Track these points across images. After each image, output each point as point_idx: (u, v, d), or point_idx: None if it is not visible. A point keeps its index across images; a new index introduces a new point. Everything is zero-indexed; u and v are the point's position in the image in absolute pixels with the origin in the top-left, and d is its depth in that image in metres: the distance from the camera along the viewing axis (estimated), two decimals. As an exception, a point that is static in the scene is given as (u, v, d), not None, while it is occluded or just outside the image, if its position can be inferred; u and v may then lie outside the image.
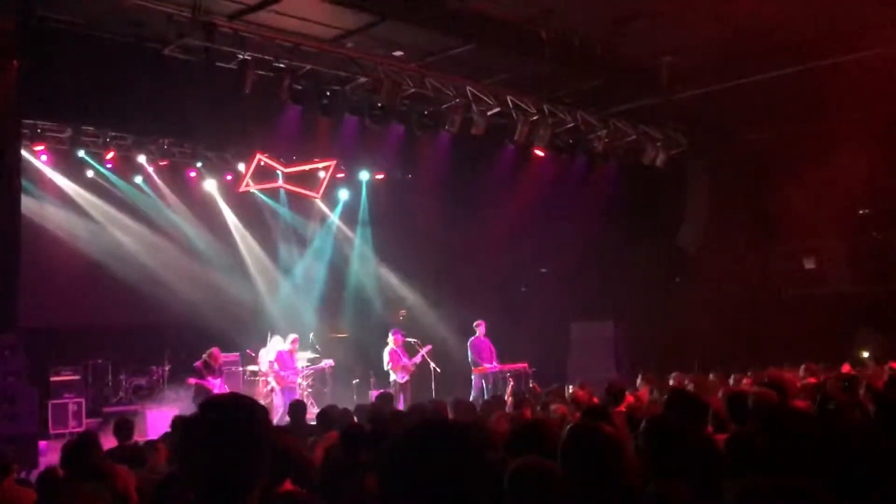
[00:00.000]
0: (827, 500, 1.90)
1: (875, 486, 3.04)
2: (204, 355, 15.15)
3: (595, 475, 3.40)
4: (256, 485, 2.57)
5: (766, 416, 5.26)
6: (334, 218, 20.19)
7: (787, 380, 10.05)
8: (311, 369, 16.73)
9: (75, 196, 16.77)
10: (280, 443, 4.60)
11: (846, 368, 11.93)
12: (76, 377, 15.87)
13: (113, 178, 17.03)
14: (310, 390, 16.45)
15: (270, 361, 15.92)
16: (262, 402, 13.26)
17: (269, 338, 16.50)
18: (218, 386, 14.97)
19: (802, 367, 11.40)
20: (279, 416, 13.88)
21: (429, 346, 16.32)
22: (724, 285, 18.31)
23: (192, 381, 14.93)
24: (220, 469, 2.52)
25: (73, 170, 16.58)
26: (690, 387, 10.28)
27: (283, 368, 15.81)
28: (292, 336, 16.36)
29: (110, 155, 16.42)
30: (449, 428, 2.41)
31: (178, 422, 9.18)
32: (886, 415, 4.13)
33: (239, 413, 2.61)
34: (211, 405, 2.67)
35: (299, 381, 16.16)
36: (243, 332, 16.55)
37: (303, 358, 16.81)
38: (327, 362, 17.03)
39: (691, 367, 13.79)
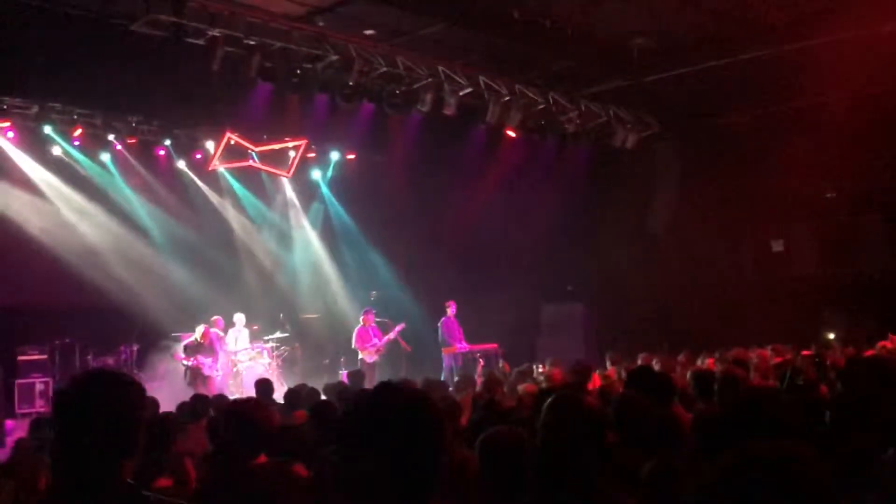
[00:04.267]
0: (819, 466, 1.90)
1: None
2: (195, 334, 14.97)
3: (576, 445, 3.41)
4: (126, 458, 2.69)
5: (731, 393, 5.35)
6: (305, 198, 20.02)
7: (760, 359, 10.19)
8: (233, 352, 15.97)
9: (41, 176, 16.44)
10: (251, 417, 4.62)
11: (812, 350, 12.07)
12: (43, 357, 15.70)
13: (80, 157, 16.70)
14: (279, 370, 16.39)
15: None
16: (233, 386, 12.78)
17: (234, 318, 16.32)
18: (209, 366, 14.75)
19: (770, 347, 11.52)
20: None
21: (402, 325, 16.28)
22: (692, 267, 18.44)
23: (178, 357, 14.74)
24: (87, 439, 2.62)
25: (40, 148, 16.26)
26: (658, 366, 10.39)
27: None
28: (214, 318, 15.69)
29: (78, 132, 16.11)
30: (406, 387, 2.47)
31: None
32: (848, 389, 4.20)
33: (106, 387, 2.73)
34: (81, 379, 2.81)
35: (267, 360, 16.05)
36: (214, 311, 16.34)
37: (272, 338, 16.75)
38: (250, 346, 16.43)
39: (660, 348, 13.89)
